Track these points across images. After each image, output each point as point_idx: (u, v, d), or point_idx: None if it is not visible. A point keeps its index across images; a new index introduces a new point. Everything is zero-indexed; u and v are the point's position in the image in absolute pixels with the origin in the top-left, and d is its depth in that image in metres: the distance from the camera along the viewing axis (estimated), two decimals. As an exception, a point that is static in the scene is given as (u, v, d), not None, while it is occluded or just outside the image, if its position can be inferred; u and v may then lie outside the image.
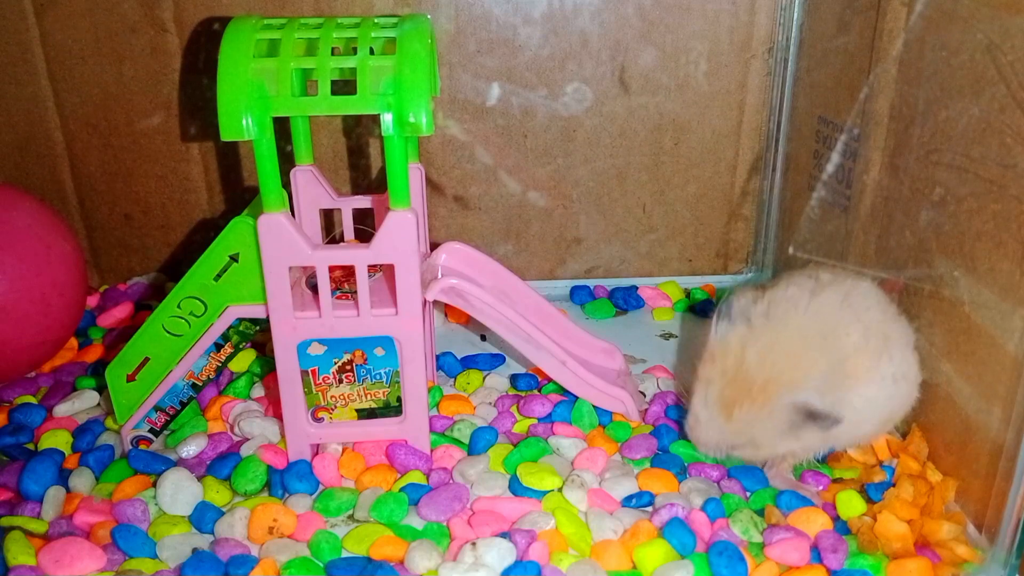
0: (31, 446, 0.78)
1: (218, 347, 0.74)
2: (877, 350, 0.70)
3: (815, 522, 0.67)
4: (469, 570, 0.62)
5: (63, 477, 0.73)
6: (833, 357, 0.68)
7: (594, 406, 0.82)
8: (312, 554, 0.65)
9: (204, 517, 0.68)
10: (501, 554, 0.63)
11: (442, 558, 0.64)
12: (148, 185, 1.05)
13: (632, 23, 1.00)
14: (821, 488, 0.73)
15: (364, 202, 0.84)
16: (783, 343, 0.68)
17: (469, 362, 0.93)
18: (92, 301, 1.04)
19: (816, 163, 0.96)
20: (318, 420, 0.74)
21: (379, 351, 0.71)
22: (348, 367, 0.72)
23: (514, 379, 0.88)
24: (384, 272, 0.77)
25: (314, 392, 0.73)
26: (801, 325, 0.70)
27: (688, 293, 1.10)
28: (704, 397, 0.71)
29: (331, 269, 0.70)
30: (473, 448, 0.77)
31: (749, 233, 1.13)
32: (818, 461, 0.75)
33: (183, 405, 0.76)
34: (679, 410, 0.79)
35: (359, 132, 1.04)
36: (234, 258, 0.70)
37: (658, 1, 1.00)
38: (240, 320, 0.73)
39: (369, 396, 0.73)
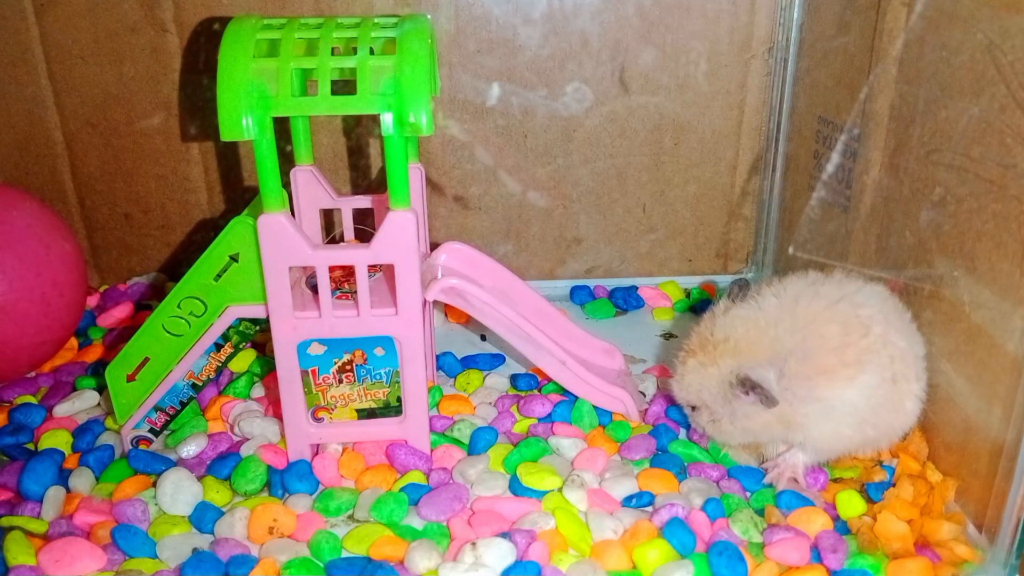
0: (31, 446, 0.78)
1: (218, 347, 0.74)
2: (865, 355, 0.68)
3: (815, 522, 0.67)
4: (469, 570, 0.62)
5: (63, 477, 0.73)
6: (801, 346, 0.68)
7: (594, 406, 0.82)
8: (312, 554, 0.65)
9: (204, 517, 0.68)
10: (501, 554, 0.63)
11: (442, 558, 0.64)
12: (148, 185, 1.05)
13: (632, 23, 1.00)
14: (819, 488, 0.73)
15: (364, 202, 0.84)
16: (751, 316, 0.71)
17: (469, 362, 0.93)
18: (92, 301, 1.04)
19: (816, 163, 0.96)
20: (318, 420, 0.74)
21: (379, 351, 0.71)
22: (348, 367, 0.72)
23: (514, 379, 0.88)
24: (384, 272, 0.77)
25: (314, 392, 0.73)
26: (779, 306, 0.71)
27: (688, 293, 1.10)
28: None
29: (331, 269, 0.70)
30: (473, 448, 0.77)
31: (749, 233, 1.13)
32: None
33: (183, 405, 0.76)
34: (679, 410, 0.79)
35: (359, 132, 1.04)
36: (234, 258, 0.70)
37: (658, 1, 1.00)
38: (240, 320, 0.73)
39: (369, 396, 0.73)
